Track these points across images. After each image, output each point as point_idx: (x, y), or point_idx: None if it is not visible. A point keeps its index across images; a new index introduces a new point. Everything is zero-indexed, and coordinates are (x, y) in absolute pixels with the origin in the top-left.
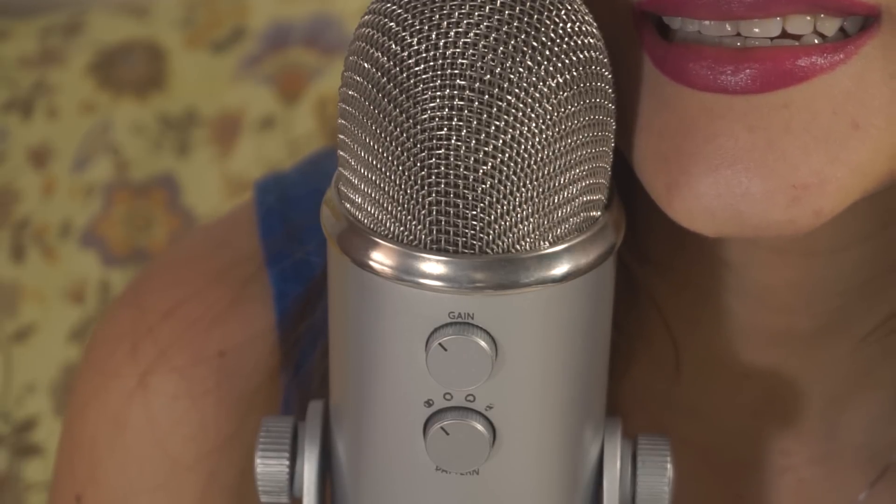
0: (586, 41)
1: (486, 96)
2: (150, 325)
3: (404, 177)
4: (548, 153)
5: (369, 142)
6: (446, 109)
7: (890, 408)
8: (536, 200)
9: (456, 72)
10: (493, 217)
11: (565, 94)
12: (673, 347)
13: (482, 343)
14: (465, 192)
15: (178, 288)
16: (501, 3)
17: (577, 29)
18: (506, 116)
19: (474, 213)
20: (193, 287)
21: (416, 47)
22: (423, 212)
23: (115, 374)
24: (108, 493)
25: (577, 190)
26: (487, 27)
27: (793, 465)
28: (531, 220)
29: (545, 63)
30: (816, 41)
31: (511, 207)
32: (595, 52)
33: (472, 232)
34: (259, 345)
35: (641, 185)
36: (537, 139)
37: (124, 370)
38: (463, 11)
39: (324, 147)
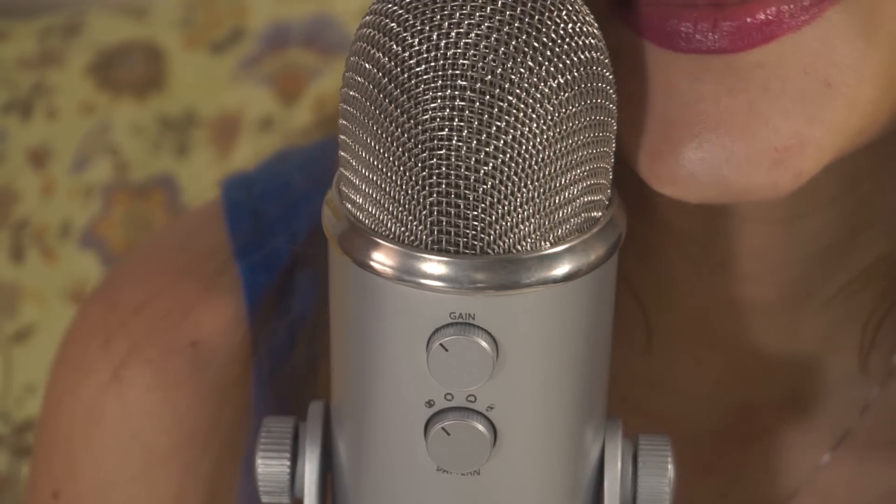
0: (587, 41)
1: (488, 97)
2: (122, 320)
3: (405, 177)
4: (549, 154)
5: (370, 142)
6: (447, 110)
7: (851, 370)
8: (538, 201)
9: (457, 72)
10: (494, 217)
11: (566, 94)
12: (644, 319)
13: (483, 343)
14: (467, 192)
15: (149, 282)
16: (503, 3)
17: (578, 29)
18: (507, 117)
19: (475, 213)
20: (164, 281)
21: (417, 48)
22: (424, 212)
23: (88, 369)
24: (86, 487)
25: (578, 190)
26: (489, 28)
27: (759, 432)
28: (532, 220)
29: (546, 64)
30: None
31: (512, 208)
32: (596, 52)
33: (474, 232)
34: (231, 335)
35: None
36: (538, 140)
37: (98, 364)
38: (464, 12)
39: (291, 144)
